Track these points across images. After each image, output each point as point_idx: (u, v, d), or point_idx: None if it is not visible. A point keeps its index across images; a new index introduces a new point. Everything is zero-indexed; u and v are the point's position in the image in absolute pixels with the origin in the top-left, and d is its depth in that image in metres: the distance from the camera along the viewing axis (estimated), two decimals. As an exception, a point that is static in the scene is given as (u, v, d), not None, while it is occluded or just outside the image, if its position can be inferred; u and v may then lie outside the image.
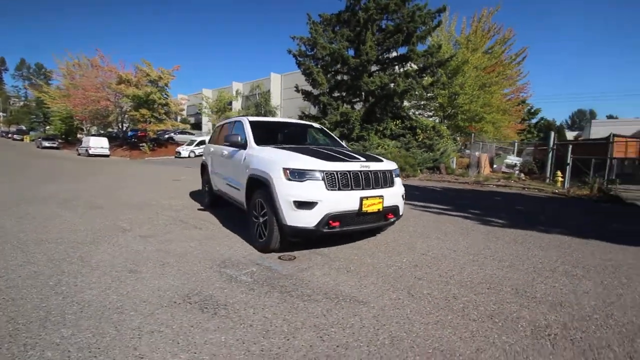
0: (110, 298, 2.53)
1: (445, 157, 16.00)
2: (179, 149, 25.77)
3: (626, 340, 2.16)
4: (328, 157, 3.69)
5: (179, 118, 29.17)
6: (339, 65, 17.91)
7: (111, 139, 27.15)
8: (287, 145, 4.38)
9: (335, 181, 3.42)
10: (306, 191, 3.32)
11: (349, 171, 3.52)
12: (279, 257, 3.62)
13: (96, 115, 28.93)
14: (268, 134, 4.77)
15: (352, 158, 3.78)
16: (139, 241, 4.03)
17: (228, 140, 4.60)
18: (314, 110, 21.75)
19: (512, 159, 17.69)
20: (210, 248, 3.85)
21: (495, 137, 21.17)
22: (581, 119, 75.32)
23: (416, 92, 16.89)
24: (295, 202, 3.31)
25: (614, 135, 12.50)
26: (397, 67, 18.06)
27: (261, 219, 3.77)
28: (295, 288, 2.82)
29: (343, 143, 5.43)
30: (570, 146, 11.69)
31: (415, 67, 17.41)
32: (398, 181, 4.07)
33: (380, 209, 3.63)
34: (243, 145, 4.48)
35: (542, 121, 41.96)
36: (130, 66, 28.85)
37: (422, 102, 20.78)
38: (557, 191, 11.20)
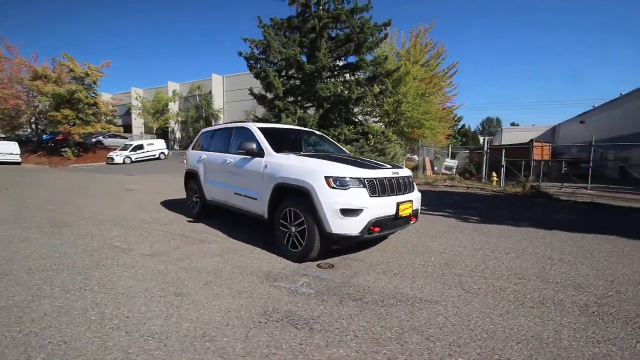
0: (184, 326, 2.28)
1: (395, 161, 17.19)
2: (112, 154, 22.92)
3: (644, 310, 2.71)
4: (360, 165, 3.80)
5: (104, 119, 25.82)
6: (293, 71, 18.03)
7: (21, 143, 22.89)
8: (309, 153, 4.35)
9: (376, 188, 3.55)
10: (352, 199, 3.38)
11: (385, 178, 3.68)
12: (318, 266, 3.60)
13: (3, 116, 24.12)
14: (278, 141, 4.67)
15: (379, 166, 3.95)
16: (152, 261, 3.61)
17: (243, 148, 4.38)
18: (260, 114, 21.44)
19: (450, 162, 19.80)
20: (239, 262, 3.64)
21: (433, 142, 23.42)
22: (490, 126, 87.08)
23: (368, 100, 17.81)
24: (342, 210, 3.34)
25: (532, 140, 14.89)
26: (347, 75, 18.88)
27: (294, 229, 3.70)
28: (362, 295, 2.87)
29: (345, 149, 5.57)
30: (504, 150, 13.57)
31: (364, 76, 18.39)
32: (415, 186, 4.36)
33: (411, 213, 3.87)
34: (259, 154, 4.32)
35: (463, 128, 47.54)
36: (45, 60, 24.72)
37: (369, 109, 21.98)
38: (495, 190, 12.90)
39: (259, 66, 18.44)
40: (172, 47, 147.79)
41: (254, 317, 2.44)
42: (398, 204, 3.66)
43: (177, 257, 3.78)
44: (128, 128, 37.26)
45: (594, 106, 29.71)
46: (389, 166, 4.00)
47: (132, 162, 23.14)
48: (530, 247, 4.52)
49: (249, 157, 4.48)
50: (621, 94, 24.51)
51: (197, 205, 5.81)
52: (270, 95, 18.11)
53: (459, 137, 39.62)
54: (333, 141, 5.77)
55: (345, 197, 3.38)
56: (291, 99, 18.52)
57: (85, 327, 2.23)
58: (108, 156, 22.87)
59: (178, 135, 38.29)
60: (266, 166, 4.14)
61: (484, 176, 15.20)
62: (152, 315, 2.43)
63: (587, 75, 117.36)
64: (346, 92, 16.61)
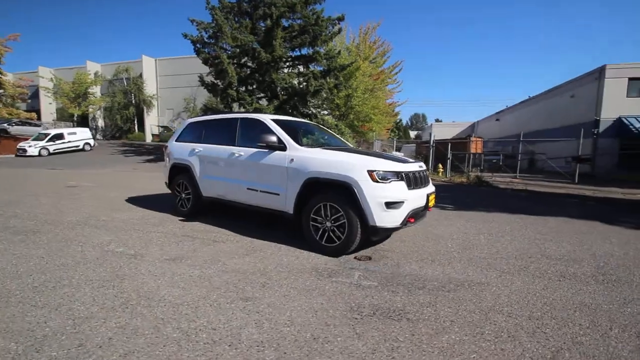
0: (284, 330, 2.15)
1: (351, 153, 17.79)
2: (23, 145, 19.09)
3: (637, 273, 3.37)
4: (392, 159, 3.92)
5: (10, 102, 21.29)
6: (246, 59, 17.27)
7: None
8: (334, 147, 4.32)
9: (411, 181, 3.71)
10: (394, 192, 3.49)
11: (415, 171, 3.86)
12: (356, 258, 3.65)
13: None
14: (291, 134, 4.50)
15: (405, 160, 4.12)
16: (179, 266, 3.25)
17: (262, 140, 4.13)
18: (200, 102, 20.15)
19: (397, 154, 21.21)
20: (276, 261, 3.48)
21: (379, 135, 24.73)
22: (417, 121, 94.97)
23: (324, 94, 17.98)
24: (386, 202, 3.43)
25: (469, 136, 16.77)
26: (301, 66, 18.77)
27: (329, 224, 3.68)
28: (423, 283, 3.02)
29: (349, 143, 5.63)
30: (450, 144, 15.04)
31: (319, 69, 18.49)
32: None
33: (433, 203, 4.14)
34: (280, 147, 4.14)
35: (400, 123, 51.06)
36: None
37: (319, 102, 22.24)
38: (443, 180, 14.27)
39: (206, 50, 17.26)
40: (90, 21, 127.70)
41: (345, 313, 2.41)
42: (427, 195, 3.89)
43: (202, 259, 3.46)
44: (36, 114, 31.50)
45: (506, 106, 34.44)
46: (411, 160, 4.20)
47: (50, 153, 19.68)
48: (514, 230, 5.19)
49: (266, 150, 4.26)
50: (529, 96, 28.88)
51: (187, 202, 5.31)
52: (221, 83, 17.10)
53: (396, 131, 42.42)
54: (335, 134, 5.78)
55: (388, 190, 3.47)
56: (243, 88, 17.75)
57: (175, 347, 1.96)
58: (18, 147, 19.02)
59: (101, 122, 33.72)
60: (292, 160, 3.99)
61: (430, 168, 16.65)
62: (238, 323, 2.23)
63: (506, 77, 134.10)
64: (303, 85, 16.47)
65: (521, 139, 13.69)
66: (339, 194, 3.63)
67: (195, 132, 5.47)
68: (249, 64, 17.81)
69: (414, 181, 3.75)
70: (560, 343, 2.11)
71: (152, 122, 32.62)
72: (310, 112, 18.96)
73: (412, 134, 63.73)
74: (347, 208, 3.54)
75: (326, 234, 3.72)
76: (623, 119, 17.84)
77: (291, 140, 4.18)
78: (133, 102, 30.97)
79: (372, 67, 22.62)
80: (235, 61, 17.11)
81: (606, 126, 18.24)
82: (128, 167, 16.09)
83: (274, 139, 4.14)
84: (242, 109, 18.05)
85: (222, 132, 5.01)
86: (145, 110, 32.13)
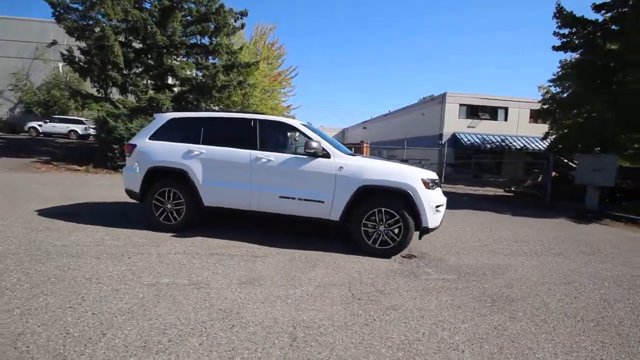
0: (456, 338, 2.41)
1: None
2: None
3: (630, 253, 5.06)
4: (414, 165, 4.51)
5: None
6: (132, 37, 14.45)
7: None
8: (366, 155, 4.50)
9: (438, 186, 4.38)
10: (439, 197, 4.09)
11: (436, 178, 4.56)
12: (403, 257, 4.08)
13: None
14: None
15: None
16: (267, 289, 2.90)
17: (309, 148, 3.96)
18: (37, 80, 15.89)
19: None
20: (347, 268, 3.52)
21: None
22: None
23: (230, 90, 16.84)
24: (436, 206, 3.99)
25: (362, 141, 19.22)
26: (199, 57, 17.11)
27: (382, 227, 3.97)
28: (482, 272, 3.72)
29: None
30: (352, 148, 16.83)
31: (220, 63, 17.31)
32: None
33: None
34: (325, 155, 4.09)
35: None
36: None
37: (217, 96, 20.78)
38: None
39: (73, 18, 13.55)
40: None
41: (479, 303, 2.84)
42: (445, 199, 4.67)
43: (276, 278, 3.15)
44: None
45: (371, 116, 40.56)
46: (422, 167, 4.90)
47: None
48: (491, 222, 6.69)
49: (305, 156, 4.12)
50: (389, 111, 34.96)
51: (177, 214, 4.42)
52: (98, 62, 13.72)
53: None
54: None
55: (435, 195, 4.04)
56: (125, 72, 14.76)
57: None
58: None
59: None
60: (341, 167, 4.03)
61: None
62: (426, 330, 2.34)
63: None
64: (208, 78, 15.11)
65: (405, 146, 16.86)
66: (396, 200, 3.95)
67: (186, 131, 4.59)
68: (135, 44, 14.98)
69: (438, 187, 4.46)
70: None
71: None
72: (209, 108, 17.53)
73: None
74: (403, 212, 3.91)
75: (380, 238, 3.98)
76: (456, 134, 24.24)
77: (332, 147, 4.20)
78: None
79: (268, 69, 22.65)
80: (117, 38, 14.05)
81: (447, 138, 24.31)
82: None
83: (318, 146, 4.06)
84: (128, 97, 15.02)
85: (235, 133, 4.45)
86: None
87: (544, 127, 20.18)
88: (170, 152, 4.43)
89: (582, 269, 4.06)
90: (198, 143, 4.43)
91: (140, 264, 3.25)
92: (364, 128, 40.85)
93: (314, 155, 4.08)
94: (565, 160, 13.02)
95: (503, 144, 23.77)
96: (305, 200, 4.11)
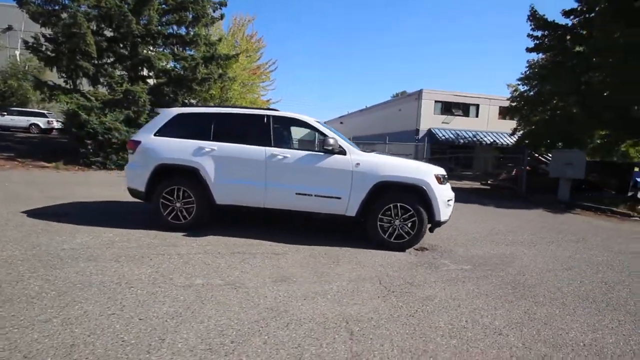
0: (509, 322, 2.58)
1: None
2: None
3: (609, 240, 5.47)
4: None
5: None
6: (106, 25, 13.55)
7: None
8: (374, 150, 4.64)
9: (447, 181, 4.57)
10: (449, 191, 4.28)
11: (444, 173, 4.76)
12: (417, 249, 4.24)
13: None
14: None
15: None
16: (301, 286, 2.93)
17: (327, 144, 3.98)
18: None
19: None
20: (370, 263, 3.62)
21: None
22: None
23: (211, 83, 16.26)
24: (447, 200, 4.18)
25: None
26: (176, 48, 16.40)
27: (398, 222, 4.10)
28: (499, 260, 3.97)
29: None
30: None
31: (199, 55, 16.70)
32: None
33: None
34: (341, 152, 4.13)
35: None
36: None
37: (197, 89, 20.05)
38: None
39: (37, 2, 12.49)
40: None
41: (504, 291, 3.03)
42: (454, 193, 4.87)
43: (306, 275, 3.18)
44: None
45: (348, 112, 40.86)
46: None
47: None
48: (480, 215, 7.00)
49: (321, 153, 4.15)
50: (366, 106, 35.42)
51: (187, 213, 4.29)
52: (66, 51, 12.76)
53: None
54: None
55: (446, 190, 4.22)
56: (97, 62, 13.86)
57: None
58: None
59: None
60: (357, 164, 4.09)
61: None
62: (460, 329, 2.48)
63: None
64: (188, 71, 14.54)
65: (387, 142, 17.25)
66: (410, 195, 4.09)
67: (194, 127, 4.45)
68: (106, 32, 14.07)
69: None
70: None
71: None
72: (186, 101, 16.92)
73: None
74: (418, 207, 4.05)
75: (395, 232, 4.10)
76: (432, 130, 25.10)
77: (347, 144, 4.25)
78: None
79: (247, 61, 22.14)
80: (89, 25, 13.13)
81: (423, 134, 25.11)
82: None
83: (335, 142, 4.09)
84: (100, 89, 14.10)
85: (247, 129, 4.37)
86: None
87: (511, 124, 21.43)
88: (180, 149, 4.27)
89: (575, 255, 4.43)
90: (208, 140, 4.31)
91: (165, 265, 3.14)
92: (341, 123, 41.05)
93: (331, 152, 4.12)
94: (536, 155, 13.91)
95: (474, 139, 24.94)
96: (322, 196, 4.14)
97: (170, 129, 4.43)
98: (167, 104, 15.27)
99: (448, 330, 2.31)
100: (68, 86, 13.50)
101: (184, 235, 4.14)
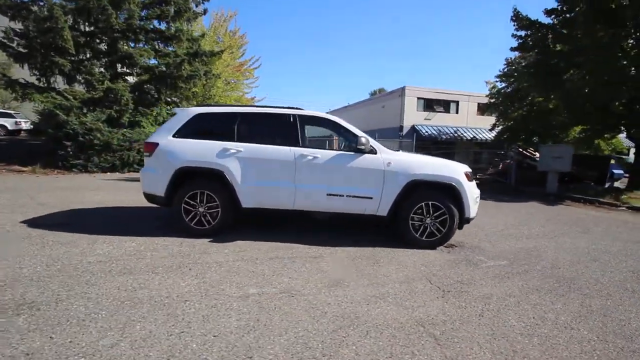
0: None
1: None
2: None
3: (612, 229, 5.70)
4: (449, 160, 4.71)
5: None
6: (82, 19, 12.71)
7: None
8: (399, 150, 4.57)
9: (474, 178, 4.62)
10: (476, 188, 4.32)
11: (464, 170, 4.81)
12: (446, 247, 4.27)
13: None
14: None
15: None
16: (356, 291, 2.87)
17: (361, 144, 3.92)
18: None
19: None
20: (411, 262, 3.60)
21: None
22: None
23: (197, 80, 15.64)
24: (475, 197, 4.23)
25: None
26: (157, 44, 15.68)
27: (429, 220, 4.11)
28: (534, 254, 4.05)
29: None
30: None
31: (182, 50, 16.06)
32: None
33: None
34: (372, 151, 4.07)
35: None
36: None
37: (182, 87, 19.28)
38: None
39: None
40: None
41: (549, 285, 3.10)
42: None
43: (358, 279, 3.11)
44: None
45: (330, 109, 40.82)
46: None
47: None
48: (484, 209, 7.11)
49: (352, 153, 4.08)
50: (348, 103, 35.55)
51: (211, 218, 4.09)
52: (38, 47, 11.85)
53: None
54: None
55: (474, 187, 4.27)
56: (74, 59, 12.99)
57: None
58: None
59: None
60: (389, 163, 4.05)
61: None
62: (534, 325, 2.51)
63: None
64: (173, 68, 13.93)
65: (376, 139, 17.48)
66: (441, 192, 4.10)
67: (216, 127, 4.25)
68: (82, 27, 13.20)
69: (469, 179, 4.71)
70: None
71: None
72: (169, 99, 16.28)
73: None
74: (449, 204, 4.07)
75: (427, 230, 4.11)
76: (415, 126, 25.60)
77: (377, 143, 4.20)
78: None
79: (230, 58, 21.57)
80: (66, 19, 12.26)
81: (407, 130, 25.55)
82: None
83: (367, 142, 4.03)
84: (77, 86, 13.20)
85: (273, 129, 4.21)
86: None
87: (489, 119, 22.29)
88: (204, 151, 4.05)
89: (592, 246, 4.62)
90: (232, 140, 4.12)
91: (209, 275, 2.96)
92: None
93: (362, 151, 4.05)
94: (520, 150, 14.50)
95: (456, 134, 25.68)
96: (354, 197, 4.07)
97: (189, 130, 4.19)
98: (150, 103, 14.67)
99: (523, 328, 2.32)
100: (41, 84, 12.55)
101: (210, 241, 3.94)
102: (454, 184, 4.06)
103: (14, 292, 2.48)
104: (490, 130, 21.71)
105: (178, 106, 16.41)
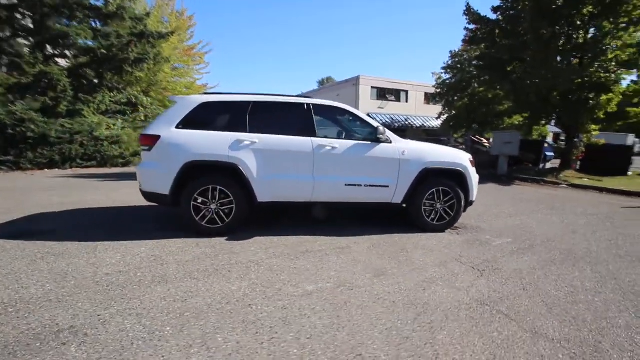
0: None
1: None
2: None
3: (571, 205, 6.41)
4: (448, 148, 4.99)
5: None
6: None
7: None
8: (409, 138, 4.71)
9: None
10: (476, 174, 4.66)
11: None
12: (452, 229, 4.55)
13: None
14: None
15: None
16: (404, 281, 2.95)
17: (379, 134, 3.95)
18: None
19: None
20: (429, 245, 3.79)
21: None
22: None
23: (146, 64, 14.05)
24: (477, 182, 4.55)
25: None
26: (95, 22, 13.81)
27: (439, 205, 4.34)
28: (527, 231, 4.48)
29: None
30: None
31: (124, 30, 14.37)
32: None
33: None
34: (387, 140, 4.12)
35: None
36: None
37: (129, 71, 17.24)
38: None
39: None
40: None
41: (560, 260, 3.50)
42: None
43: (396, 269, 3.17)
44: None
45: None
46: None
47: None
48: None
49: (368, 142, 4.10)
50: (302, 92, 35.25)
51: (225, 215, 3.82)
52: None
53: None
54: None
55: (475, 173, 4.59)
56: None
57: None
58: None
59: None
60: (403, 152, 4.14)
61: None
62: (576, 296, 2.82)
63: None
64: (118, 50, 12.44)
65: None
66: (450, 179, 4.34)
67: (224, 118, 3.92)
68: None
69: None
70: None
71: None
72: (119, 85, 14.59)
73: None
74: (457, 190, 4.34)
75: (438, 214, 4.34)
76: (370, 114, 26.45)
77: (391, 132, 4.26)
78: None
79: (177, 40, 19.86)
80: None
81: (362, 119, 26.34)
82: None
83: (384, 131, 4.07)
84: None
85: (287, 119, 4.03)
86: None
87: (435, 108, 23.99)
88: (214, 143, 3.73)
89: (565, 221, 5.29)
90: (243, 131, 3.86)
91: (254, 275, 2.79)
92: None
93: (378, 141, 4.09)
94: (472, 137, 15.84)
95: (407, 122, 27.08)
96: (371, 186, 4.12)
97: (194, 121, 3.82)
98: (90, 89, 12.97)
99: (565, 296, 2.60)
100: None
101: (227, 239, 3.70)
102: (462, 170, 4.32)
103: (38, 316, 2.08)
104: (437, 118, 23.24)
105: (122, 93, 14.80)
